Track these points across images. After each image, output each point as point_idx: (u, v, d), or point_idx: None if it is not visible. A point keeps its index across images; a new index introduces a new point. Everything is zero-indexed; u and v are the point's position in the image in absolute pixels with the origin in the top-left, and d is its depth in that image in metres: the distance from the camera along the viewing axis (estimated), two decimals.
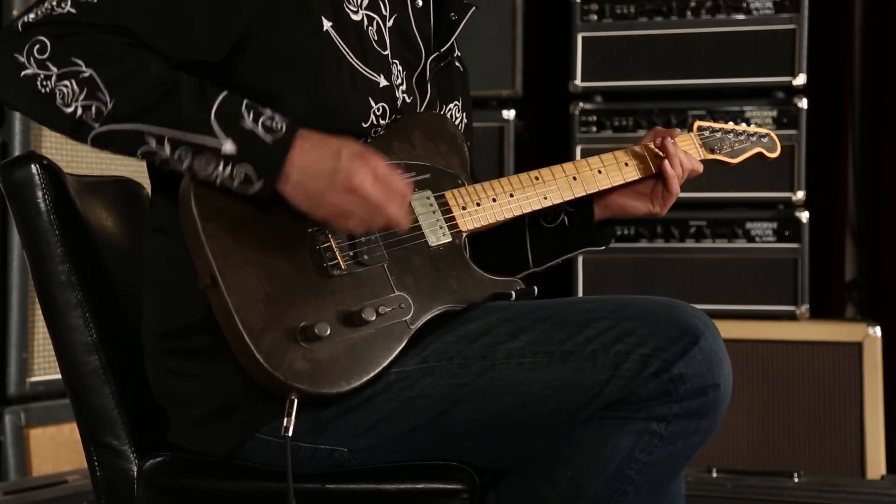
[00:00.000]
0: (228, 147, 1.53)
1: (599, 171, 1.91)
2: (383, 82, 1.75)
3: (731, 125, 2.09)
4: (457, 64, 1.98)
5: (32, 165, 1.77)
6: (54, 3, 1.55)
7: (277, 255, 1.60)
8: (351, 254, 1.64)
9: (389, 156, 1.73)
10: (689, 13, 3.77)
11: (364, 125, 1.72)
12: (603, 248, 2.01)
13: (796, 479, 3.12)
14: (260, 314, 1.56)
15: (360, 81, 1.72)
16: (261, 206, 1.58)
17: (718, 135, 2.07)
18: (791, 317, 3.71)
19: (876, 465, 3.54)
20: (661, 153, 1.93)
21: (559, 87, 3.98)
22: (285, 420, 1.56)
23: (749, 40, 3.74)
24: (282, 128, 1.55)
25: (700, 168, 1.98)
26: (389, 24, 1.79)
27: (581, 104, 3.87)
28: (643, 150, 1.96)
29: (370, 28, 1.75)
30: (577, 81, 3.86)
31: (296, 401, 1.56)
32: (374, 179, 1.56)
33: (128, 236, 1.95)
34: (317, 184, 1.55)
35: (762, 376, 3.64)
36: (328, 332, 1.57)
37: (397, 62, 1.79)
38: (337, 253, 1.63)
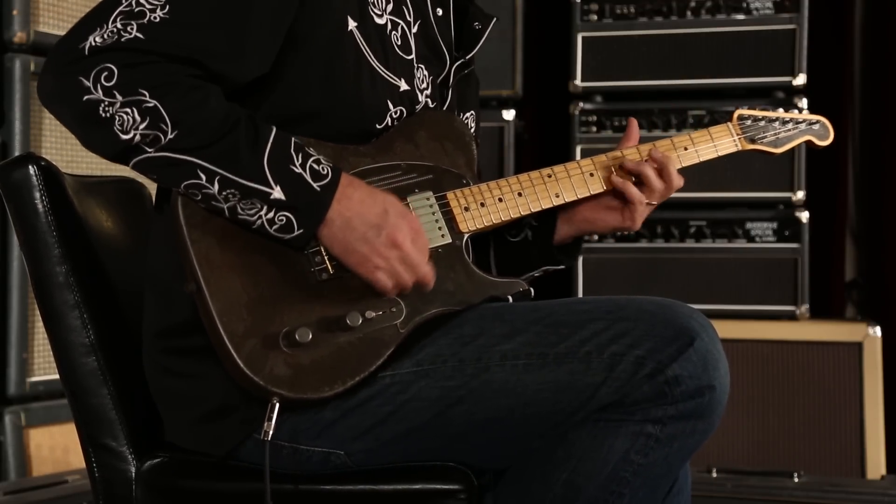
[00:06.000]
0: (277, 193, 1.57)
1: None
2: (404, 86, 1.75)
3: (778, 112, 2.01)
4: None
5: (30, 166, 1.77)
6: (120, 27, 1.55)
7: (264, 261, 1.61)
8: None
9: (391, 156, 1.72)
10: (689, 13, 3.77)
11: (378, 126, 1.73)
12: (563, 267, 1.92)
13: (796, 479, 3.12)
14: (242, 320, 1.57)
15: (381, 83, 1.72)
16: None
17: (761, 123, 1.98)
18: (791, 317, 3.71)
19: (876, 465, 3.54)
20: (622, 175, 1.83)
21: (559, 87, 3.98)
22: (265, 424, 1.57)
23: (749, 40, 3.74)
24: (327, 173, 1.60)
25: (679, 184, 1.86)
26: (414, 29, 1.79)
27: (581, 104, 3.87)
28: (612, 162, 1.85)
29: (393, 33, 1.76)
30: (577, 81, 3.86)
31: (277, 405, 1.57)
32: (414, 239, 1.62)
33: (127, 236, 1.95)
34: (356, 234, 1.60)
35: (762, 376, 3.64)
36: (310, 337, 1.58)
37: (422, 66, 1.80)
38: (325, 257, 1.63)
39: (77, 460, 3.15)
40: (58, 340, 1.77)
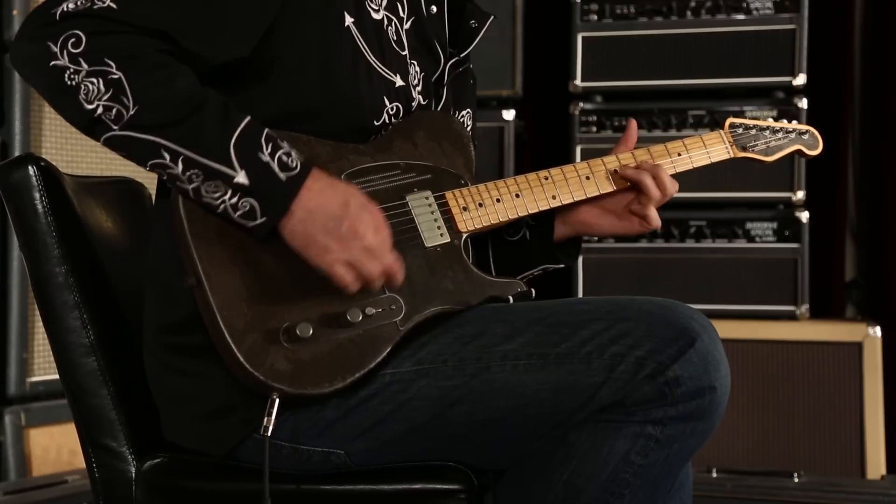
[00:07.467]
0: (241, 178, 1.55)
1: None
2: (399, 82, 1.75)
3: (768, 122, 2.03)
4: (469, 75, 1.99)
5: (30, 167, 1.77)
6: None
7: (264, 256, 1.60)
8: None
9: (390, 155, 1.73)
10: (689, 13, 3.77)
11: (376, 123, 1.73)
12: (563, 266, 1.93)
13: (796, 479, 3.12)
14: (243, 314, 1.57)
15: (377, 79, 1.72)
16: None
17: (752, 132, 2.01)
18: (791, 317, 3.71)
19: (876, 465, 3.54)
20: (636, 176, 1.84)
21: (559, 87, 3.98)
22: (265, 419, 1.57)
23: (749, 40, 3.74)
24: (296, 166, 1.57)
25: (674, 190, 1.86)
26: (407, 25, 1.79)
27: (581, 104, 3.87)
28: (608, 166, 1.87)
29: (389, 28, 1.76)
30: (577, 81, 3.86)
31: (277, 400, 1.57)
32: (376, 231, 1.58)
33: (127, 237, 1.95)
34: (317, 226, 1.56)
35: (762, 376, 3.64)
36: (310, 332, 1.57)
37: (415, 63, 1.80)
38: None
39: (77, 460, 3.15)
40: (58, 341, 1.77)
